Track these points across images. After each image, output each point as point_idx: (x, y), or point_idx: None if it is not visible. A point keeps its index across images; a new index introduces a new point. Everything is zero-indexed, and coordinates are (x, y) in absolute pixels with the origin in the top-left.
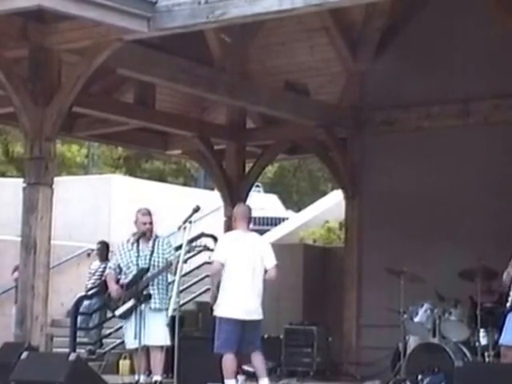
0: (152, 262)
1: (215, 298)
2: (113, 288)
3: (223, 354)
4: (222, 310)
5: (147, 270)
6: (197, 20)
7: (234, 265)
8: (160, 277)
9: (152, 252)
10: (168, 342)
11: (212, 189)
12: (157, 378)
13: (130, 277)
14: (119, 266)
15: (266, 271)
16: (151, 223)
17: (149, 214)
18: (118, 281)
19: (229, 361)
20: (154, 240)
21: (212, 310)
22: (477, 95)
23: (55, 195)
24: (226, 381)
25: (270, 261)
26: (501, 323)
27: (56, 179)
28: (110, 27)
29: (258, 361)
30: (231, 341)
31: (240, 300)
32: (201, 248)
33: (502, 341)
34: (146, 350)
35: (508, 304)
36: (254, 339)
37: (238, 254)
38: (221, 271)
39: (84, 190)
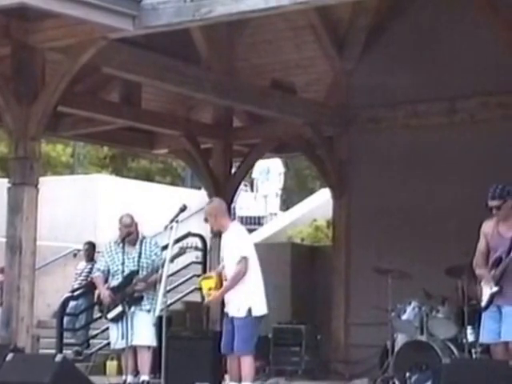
0: (140, 264)
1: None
2: (105, 294)
3: (252, 356)
4: (261, 308)
5: (136, 272)
6: (182, 18)
7: (255, 259)
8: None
9: (140, 254)
10: (154, 343)
11: (199, 188)
12: (144, 377)
13: (120, 279)
14: (108, 268)
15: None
16: (135, 230)
17: (132, 223)
18: (106, 282)
19: (254, 364)
20: (141, 241)
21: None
22: (463, 93)
23: (41, 195)
24: None
25: None
26: (477, 322)
27: (41, 179)
28: (95, 25)
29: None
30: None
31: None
32: (191, 250)
33: (481, 340)
34: (134, 350)
35: (482, 303)
36: None
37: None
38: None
39: (70, 190)
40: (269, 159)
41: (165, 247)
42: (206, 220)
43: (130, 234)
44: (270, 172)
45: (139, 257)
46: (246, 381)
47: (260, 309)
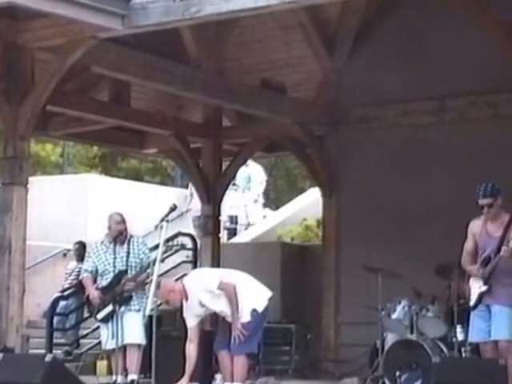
0: (129, 264)
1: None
2: (94, 294)
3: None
4: (261, 303)
5: (125, 271)
6: (171, 17)
7: (228, 275)
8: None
9: (128, 253)
10: (144, 341)
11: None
12: (132, 376)
13: (109, 279)
14: (96, 269)
15: None
16: (125, 229)
17: (122, 221)
18: (94, 281)
19: None
20: (129, 240)
21: None
22: (453, 92)
23: (30, 195)
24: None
25: None
26: (467, 321)
27: (31, 179)
28: (84, 25)
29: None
30: None
31: None
32: (178, 247)
33: (470, 339)
34: (124, 350)
35: (471, 302)
36: None
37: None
38: None
39: (59, 190)
40: (250, 167)
41: (155, 247)
42: (167, 303)
43: (121, 233)
44: (251, 181)
45: (127, 256)
46: (237, 381)
47: (261, 303)
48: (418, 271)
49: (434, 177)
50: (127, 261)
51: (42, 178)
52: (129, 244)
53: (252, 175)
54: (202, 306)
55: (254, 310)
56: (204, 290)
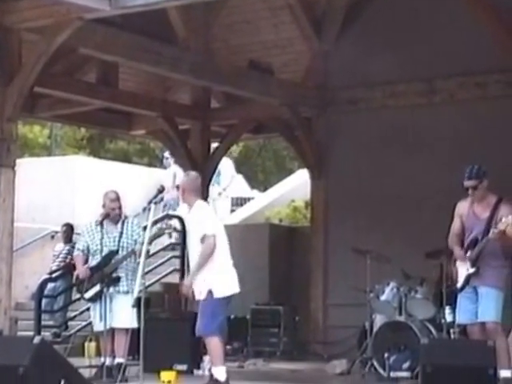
0: (121, 244)
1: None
2: (80, 269)
3: (216, 337)
4: (223, 289)
5: (116, 252)
6: None
7: (223, 237)
8: (129, 259)
9: (121, 234)
10: (134, 325)
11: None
12: (120, 360)
13: (99, 259)
14: (88, 248)
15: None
16: (120, 207)
17: (117, 199)
18: (86, 262)
19: (221, 344)
20: (123, 221)
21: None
22: (442, 73)
23: (18, 177)
24: (218, 368)
25: None
26: (455, 303)
27: (18, 161)
28: (70, 6)
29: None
30: (224, 322)
31: (234, 274)
32: (170, 230)
33: (458, 321)
34: (112, 332)
35: (458, 284)
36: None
37: (220, 226)
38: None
39: (47, 172)
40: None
41: (144, 228)
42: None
43: (113, 210)
44: (220, 174)
45: (120, 236)
46: (213, 364)
47: (222, 290)
48: (406, 253)
49: (422, 158)
50: (119, 241)
51: (30, 160)
52: (123, 224)
53: (222, 169)
54: (187, 225)
55: (210, 292)
56: (197, 219)
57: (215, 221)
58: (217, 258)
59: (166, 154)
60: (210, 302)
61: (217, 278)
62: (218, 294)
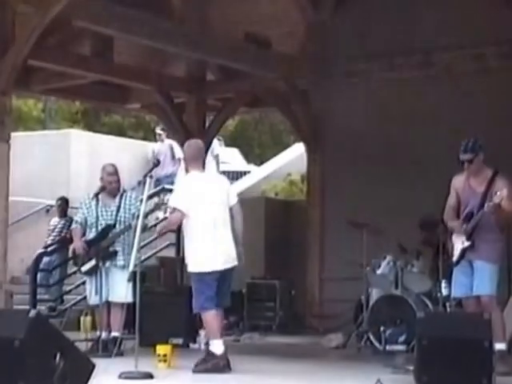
0: (118, 218)
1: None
2: (77, 244)
3: (207, 311)
4: (195, 265)
5: (113, 226)
6: None
7: (200, 212)
8: (126, 233)
9: (118, 208)
10: (129, 299)
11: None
12: (115, 333)
13: (95, 232)
14: (86, 220)
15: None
16: (118, 181)
17: (115, 172)
18: (84, 235)
19: (216, 318)
20: (122, 195)
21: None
22: (439, 46)
23: (12, 151)
24: (214, 341)
25: (233, 198)
26: (450, 277)
27: (13, 134)
28: None
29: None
30: (214, 296)
31: (217, 249)
32: (166, 205)
33: (453, 294)
34: (108, 306)
35: (454, 258)
36: (228, 290)
37: (201, 199)
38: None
39: (42, 146)
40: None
41: (140, 202)
42: None
43: (111, 184)
44: None
45: (117, 210)
46: (209, 338)
47: (196, 266)
48: (403, 227)
49: (419, 131)
50: (117, 215)
51: (24, 134)
52: (121, 198)
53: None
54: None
55: (194, 265)
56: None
57: (188, 196)
58: (190, 234)
59: (158, 130)
60: (193, 277)
61: (190, 254)
62: (192, 269)
